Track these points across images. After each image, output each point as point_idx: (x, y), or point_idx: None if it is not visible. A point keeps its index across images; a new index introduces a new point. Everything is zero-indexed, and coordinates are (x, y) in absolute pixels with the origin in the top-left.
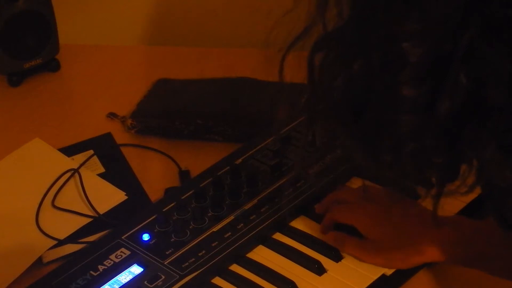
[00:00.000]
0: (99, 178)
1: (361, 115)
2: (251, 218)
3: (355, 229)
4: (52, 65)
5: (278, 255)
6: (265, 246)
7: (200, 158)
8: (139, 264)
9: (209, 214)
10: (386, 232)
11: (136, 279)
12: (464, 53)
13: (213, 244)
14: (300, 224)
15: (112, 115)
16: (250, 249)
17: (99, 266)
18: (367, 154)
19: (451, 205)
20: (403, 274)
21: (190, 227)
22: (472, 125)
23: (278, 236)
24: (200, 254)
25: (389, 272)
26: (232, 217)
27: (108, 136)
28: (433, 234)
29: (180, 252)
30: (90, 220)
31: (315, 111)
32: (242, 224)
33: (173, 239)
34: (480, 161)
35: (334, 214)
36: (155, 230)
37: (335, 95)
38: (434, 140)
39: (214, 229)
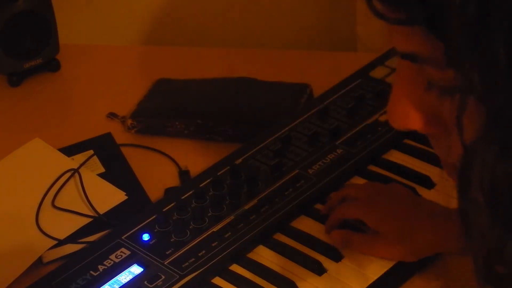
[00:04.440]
0: (99, 178)
1: None
2: (251, 218)
3: (359, 228)
4: (52, 65)
5: (278, 255)
6: (265, 246)
7: (200, 158)
8: (139, 264)
9: (209, 214)
10: (396, 225)
11: (136, 279)
12: None
13: (213, 244)
14: (300, 224)
15: (112, 115)
16: (250, 249)
17: (99, 266)
18: None
19: (454, 204)
20: (403, 274)
21: (190, 227)
22: None
23: (278, 236)
24: (200, 254)
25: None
26: (232, 217)
27: (108, 136)
28: (444, 226)
29: (180, 252)
30: (90, 220)
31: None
32: (242, 224)
33: (173, 239)
34: None
35: (341, 211)
36: (155, 230)
37: None
38: None
39: (214, 229)
